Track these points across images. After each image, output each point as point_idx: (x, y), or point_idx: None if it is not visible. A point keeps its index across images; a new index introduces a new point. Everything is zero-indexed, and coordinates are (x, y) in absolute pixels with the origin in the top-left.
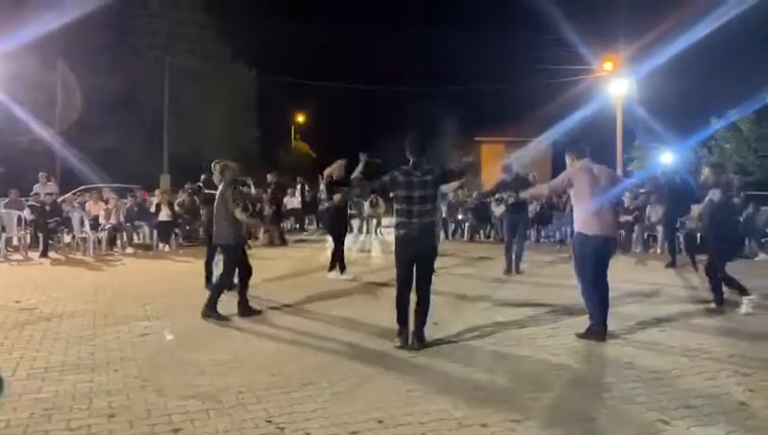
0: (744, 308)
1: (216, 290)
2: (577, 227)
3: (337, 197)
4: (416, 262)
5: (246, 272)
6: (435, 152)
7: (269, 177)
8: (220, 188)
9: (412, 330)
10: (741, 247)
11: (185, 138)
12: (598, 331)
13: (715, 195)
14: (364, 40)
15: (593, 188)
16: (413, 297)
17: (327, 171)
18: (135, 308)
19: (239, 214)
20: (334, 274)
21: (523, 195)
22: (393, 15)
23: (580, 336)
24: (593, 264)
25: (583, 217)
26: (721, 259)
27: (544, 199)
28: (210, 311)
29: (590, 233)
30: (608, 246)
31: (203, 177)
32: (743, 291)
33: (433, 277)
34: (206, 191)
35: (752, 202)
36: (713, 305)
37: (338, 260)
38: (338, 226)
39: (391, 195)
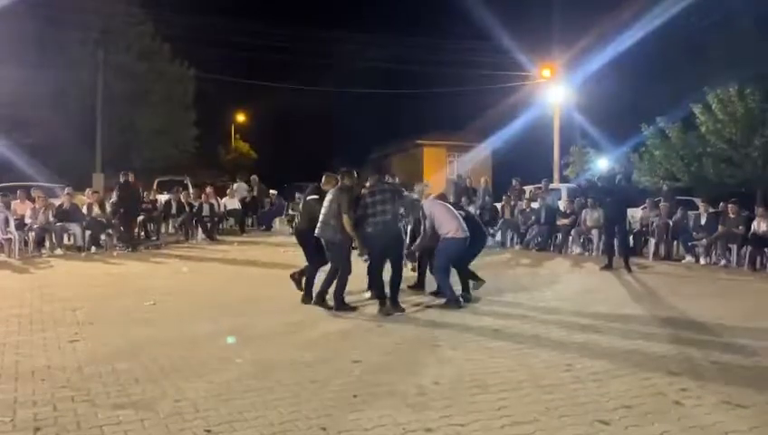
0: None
1: (339, 286)
2: (449, 235)
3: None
4: (388, 248)
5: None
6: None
7: (121, 177)
8: (335, 190)
9: (388, 297)
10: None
11: (119, 136)
12: (456, 299)
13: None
14: (306, 40)
15: (446, 209)
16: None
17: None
18: (64, 313)
19: (346, 220)
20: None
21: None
22: (334, 18)
23: (444, 306)
24: (458, 255)
25: (453, 228)
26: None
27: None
28: (340, 306)
29: (460, 236)
30: (467, 242)
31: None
32: (465, 288)
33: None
34: (310, 197)
35: (680, 207)
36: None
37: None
38: None
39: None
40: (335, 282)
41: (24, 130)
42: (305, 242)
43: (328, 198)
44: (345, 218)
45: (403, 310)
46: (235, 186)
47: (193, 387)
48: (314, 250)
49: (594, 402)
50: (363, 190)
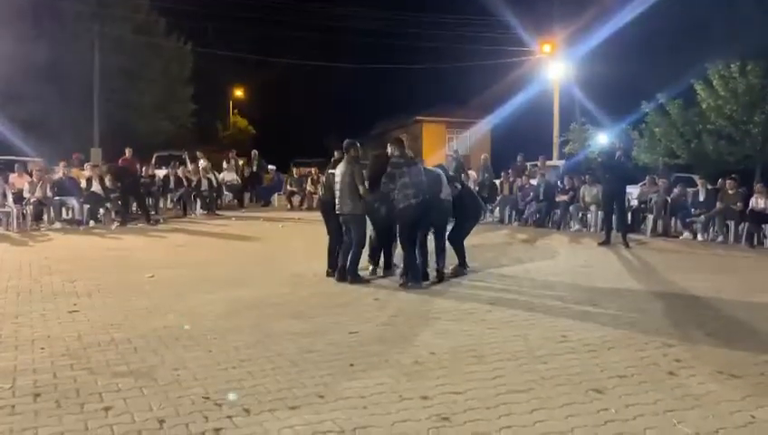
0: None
1: (354, 257)
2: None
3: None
4: (422, 222)
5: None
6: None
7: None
8: (344, 164)
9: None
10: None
11: (116, 111)
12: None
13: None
14: (305, 13)
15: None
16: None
17: None
18: (63, 285)
19: (362, 190)
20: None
21: None
22: None
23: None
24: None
25: None
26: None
27: None
28: (352, 277)
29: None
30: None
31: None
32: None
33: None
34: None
35: (679, 184)
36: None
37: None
38: None
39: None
40: (350, 254)
41: (16, 105)
42: (328, 213)
43: (338, 172)
44: (362, 189)
45: (421, 284)
46: (202, 162)
47: (192, 356)
48: (336, 223)
49: (589, 372)
50: (393, 160)
